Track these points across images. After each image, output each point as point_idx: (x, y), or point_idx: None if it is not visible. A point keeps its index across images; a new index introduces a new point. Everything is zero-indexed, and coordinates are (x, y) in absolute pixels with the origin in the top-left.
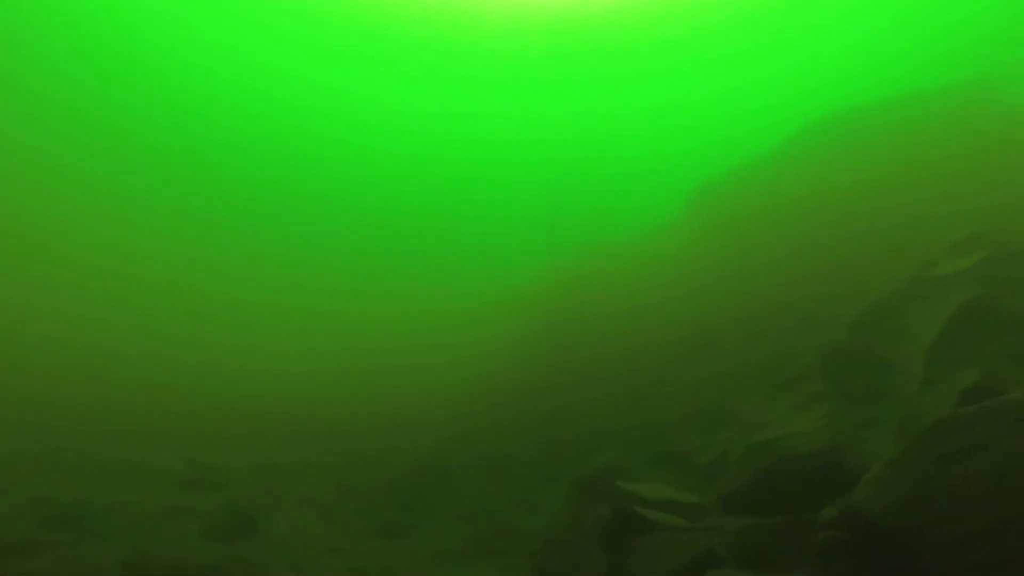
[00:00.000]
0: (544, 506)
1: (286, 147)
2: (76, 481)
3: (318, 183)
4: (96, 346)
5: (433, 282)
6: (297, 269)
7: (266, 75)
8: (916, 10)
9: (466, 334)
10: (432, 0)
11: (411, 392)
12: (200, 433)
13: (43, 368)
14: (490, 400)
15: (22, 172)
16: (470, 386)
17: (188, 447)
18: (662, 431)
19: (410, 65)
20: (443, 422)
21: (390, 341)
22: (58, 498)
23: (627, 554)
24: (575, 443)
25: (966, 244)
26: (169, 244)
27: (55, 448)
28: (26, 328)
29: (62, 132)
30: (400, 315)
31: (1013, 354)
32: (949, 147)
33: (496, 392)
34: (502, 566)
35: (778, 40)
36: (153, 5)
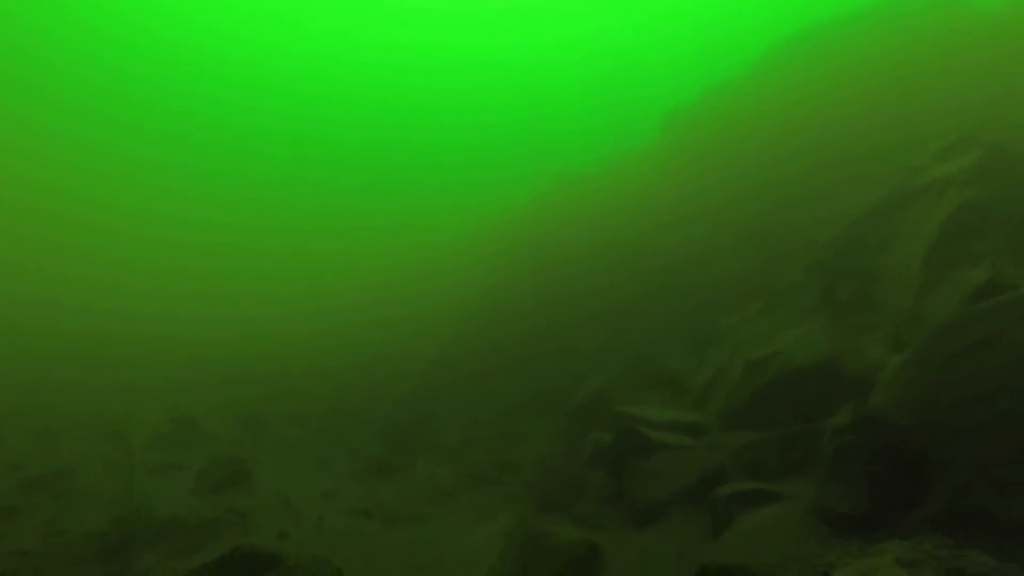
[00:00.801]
0: (534, 436)
1: (262, 93)
2: (59, 440)
3: (292, 124)
4: (74, 303)
5: (409, 215)
6: (270, 212)
7: (237, 11)
8: None
9: (444, 266)
10: None
11: (391, 328)
12: (182, 386)
13: (18, 325)
14: (470, 332)
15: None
16: (449, 319)
17: (170, 402)
18: (650, 353)
19: None
20: (423, 357)
21: (368, 277)
22: (40, 459)
23: (633, 477)
24: (560, 371)
25: (955, 148)
26: (144, 196)
27: (32, 406)
28: (5, 287)
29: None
30: (378, 250)
31: (1015, 252)
32: (924, 55)
33: (476, 323)
34: (500, 496)
35: None
36: None
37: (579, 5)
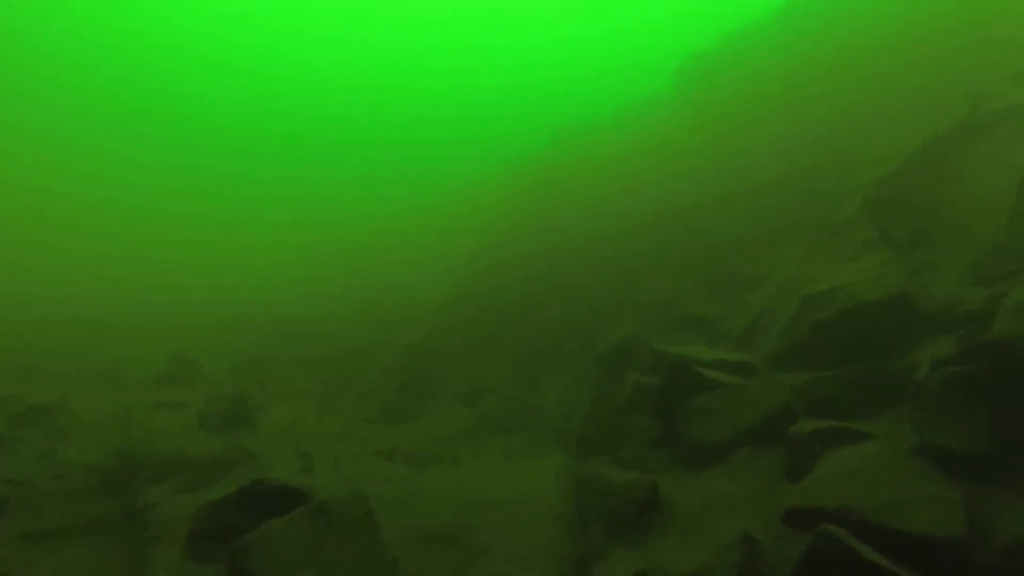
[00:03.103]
0: (552, 385)
1: (259, 96)
2: (50, 378)
3: (304, 123)
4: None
5: (406, 185)
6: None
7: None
8: None
9: (448, 231)
10: None
11: (398, 292)
12: (178, 333)
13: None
14: (481, 286)
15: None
16: (459, 275)
17: (165, 344)
18: (676, 302)
19: None
20: (433, 311)
21: (370, 250)
22: (30, 394)
23: (687, 418)
24: (574, 323)
25: None
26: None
27: (18, 345)
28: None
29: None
30: (380, 224)
31: None
32: None
33: (487, 279)
34: (527, 441)
35: None
36: None
37: None
